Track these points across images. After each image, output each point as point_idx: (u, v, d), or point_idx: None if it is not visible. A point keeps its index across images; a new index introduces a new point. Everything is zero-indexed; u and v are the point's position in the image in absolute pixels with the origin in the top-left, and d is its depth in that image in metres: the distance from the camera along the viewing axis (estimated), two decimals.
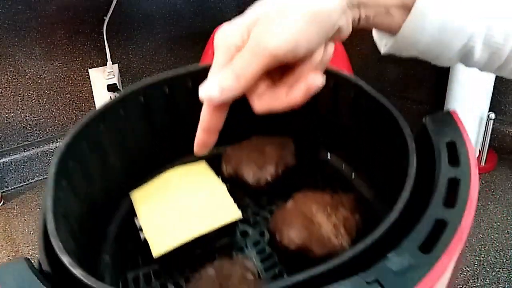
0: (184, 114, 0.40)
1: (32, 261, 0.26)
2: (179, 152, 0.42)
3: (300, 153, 0.40)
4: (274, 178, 0.38)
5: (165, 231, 0.33)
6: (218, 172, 0.39)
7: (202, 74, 0.37)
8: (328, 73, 0.33)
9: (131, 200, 0.37)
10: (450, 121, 0.28)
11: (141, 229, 0.35)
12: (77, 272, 0.24)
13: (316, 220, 0.32)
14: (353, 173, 0.39)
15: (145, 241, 0.33)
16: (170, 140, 0.41)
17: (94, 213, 0.34)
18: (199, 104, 0.34)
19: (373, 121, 0.35)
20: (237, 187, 0.38)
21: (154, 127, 0.40)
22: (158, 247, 0.32)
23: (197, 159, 0.40)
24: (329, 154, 0.41)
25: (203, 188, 0.37)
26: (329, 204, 0.33)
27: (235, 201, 0.35)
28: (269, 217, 0.36)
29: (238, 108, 0.30)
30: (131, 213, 0.36)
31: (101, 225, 0.36)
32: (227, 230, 0.35)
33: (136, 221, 0.36)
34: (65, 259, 0.24)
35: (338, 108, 0.38)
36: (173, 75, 0.39)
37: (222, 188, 0.37)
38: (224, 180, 0.38)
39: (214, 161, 0.40)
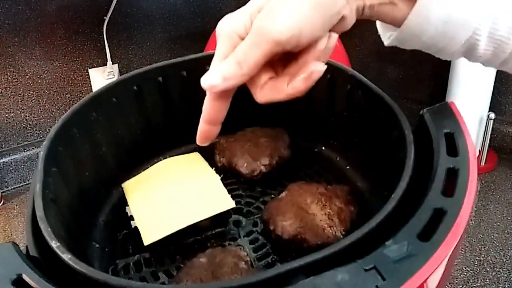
0: (178, 105, 0.40)
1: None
2: (172, 143, 0.41)
3: (295, 145, 0.40)
4: (268, 169, 0.38)
5: (157, 219, 0.33)
6: (212, 163, 0.39)
7: (197, 63, 0.38)
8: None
9: (123, 190, 0.37)
10: (448, 112, 0.27)
11: (132, 218, 0.34)
12: (65, 256, 0.23)
13: (310, 210, 0.32)
14: (347, 166, 0.39)
15: (136, 229, 0.33)
16: (164, 131, 0.41)
17: (85, 201, 0.33)
18: (193, 94, 0.34)
19: (369, 112, 0.35)
20: (230, 178, 0.38)
21: (147, 116, 0.40)
22: (149, 235, 0.31)
23: (190, 150, 0.40)
24: (323, 146, 0.41)
25: (196, 178, 0.36)
26: (323, 195, 0.33)
27: (228, 192, 0.35)
28: (263, 207, 0.36)
29: (232, 99, 0.30)
30: (123, 202, 0.36)
31: (92, 213, 0.36)
32: (220, 220, 0.34)
33: (127, 210, 0.35)
34: (53, 244, 0.24)
35: (333, 100, 0.38)
36: (167, 64, 0.39)
37: (216, 178, 0.36)
38: (218, 171, 0.38)
39: (208, 152, 0.39)
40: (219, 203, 0.34)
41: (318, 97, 0.38)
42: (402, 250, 0.19)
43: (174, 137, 0.41)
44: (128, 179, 0.38)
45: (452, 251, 0.19)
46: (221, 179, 0.36)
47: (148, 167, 0.39)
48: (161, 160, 0.40)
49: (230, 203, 0.34)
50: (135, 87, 0.38)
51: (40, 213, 0.26)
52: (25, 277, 0.22)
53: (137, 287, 0.22)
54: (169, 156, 0.40)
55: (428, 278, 0.18)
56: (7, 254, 0.23)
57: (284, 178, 0.38)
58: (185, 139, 0.40)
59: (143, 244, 0.31)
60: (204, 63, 0.36)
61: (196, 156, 0.39)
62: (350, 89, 0.36)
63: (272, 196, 0.37)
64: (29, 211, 0.27)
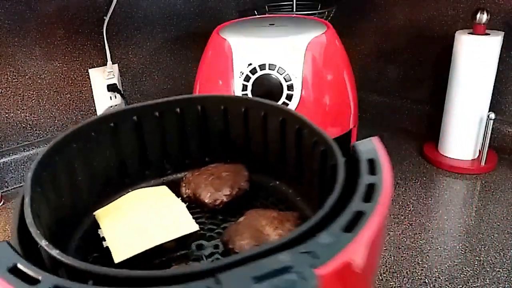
0: (150, 142, 0.45)
1: None
2: (142, 177, 0.46)
3: (253, 179, 0.45)
4: (229, 199, 0.42)
5: (126, 240, 0.35)
6: (178, 195, 0.43)
7: (169, 105, 0.43)
8: (277, 109, 0.42)
9: (94, 217, 0.40)
10: (372, 144, 0.34)
11: (104, 239, 0.37)
12: (54, 252, 0.26)
13: (265, 231, 0.37)
14: (298, 197, 0.44)
15: (107, 249, 0.35)
16: (135, 165, 0.45)
17: (60, 224, 0.36)
18: (164, 133, 0.41)
19: (312, 148, 0.39)
20: (195, 208, 0.43)
21: (121, 152, 0.44)
22: (120, 253, 0.34)
23: (158, 184, 0.46)
24: (277, 180, 0.46)
25: (163, 205, 0.40)
26: (276, 219, 0.38)
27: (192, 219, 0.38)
28: (222, 232, 0.40)
29: (195, 137, 0.37)
30: (94, 228, 0.39)
31: (65, 236, 0.38)
32: (184, 243, 0.38)
33: (99, 232, 0.38)
34: (43, 242, 0.27)
35: (284, 140, 0.43)
36: (141, 106, 0.43)
37: (181, 205, 0.40)
38: (184, 201, 0.41)
39: (175, 186, 0.44)
40: (183, 226, 0.37)
41: (272, 137, 0.44)
42: (331, 238, 0.25)
43: (144, 171, 0.46)
44: (100, 207, 0.41)
45: (373, 239, 0.26)
46: (187, 208, 0.40)
47: (119, 196, 0.42)
48: (131, 191, 0.44)
49: (193, 227, 0.37)
50: (112, 124, 0.42)
51: (29, 219, 0.29)
52: (19, 265, 0.25)
53: (115, 273, 0.24)
54: (139, 188, 0.44)
55: (352, 255, 0.24)
56: (2, 248, 0.26)
57: (243, 207, 0.42)
58: (154, 174, 0.46)
59: (113, 264, 0.32)
60: (176, 106, 0.43)
61: (163, 189, 0.43)
62: (297, 130, 0.41)
63: (232, 222, 0.41)
64: (16, 217, 0.30)
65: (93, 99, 1.05)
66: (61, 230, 0.37)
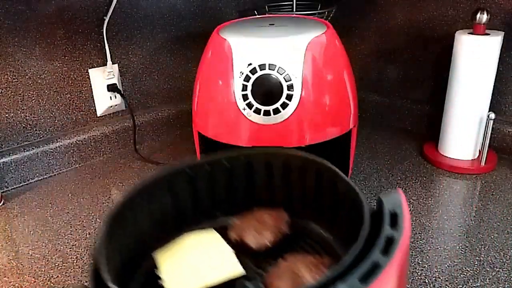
0: (202, 194, 0.52)
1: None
2: (195, 222, 0.53)
3: (292, 223, 0.51)
4: (271, 243, 0.48)
5: (180, 280, 0.41)
6: (226, 238, 0.49)
7: (219, 161, 0.51)
8: (313, 162, 0.47)
9: (154, 257, 0.47)
10: (397, 197, 0.38)
11: (160, 278, 0.43)
12: None
13: (301, 274, 0.41)
14: (332, 237, 0.50)
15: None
16: (189, 212, 0.53)
17: (127, 265, 0.41)
18: (214, 185, 0.49)
19: (344, 199, 0.45)
20: (240, 250, 0.48)
21: (178, 201, 0.51)
22: None
23: (209, 227, 0.52)
24: (314, 223, 0.52)
25: (213, 249, 0.46)
26: (311, 263, 0.43)
27: (239, 261, 0.45)
28: (265, 274, 0.45)
29: (241, 188, 0.47)
30: (154, 266, 0.46)
31: (131, 274, 0.45)
32: (231, 284, 0.43)
33: (156, 272, 0.45)
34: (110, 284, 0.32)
35: (320, 188, 0.49)
36: (194, 163, 0.51)
37: (229, 249, 0.46)
38: (230, 244, 0.48)
39: (223, 230, 0.51)
40: (231, 269, 0.43)
41: (310, 186, 0.50)
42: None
43: (197, 218, 0.53)
44: (159, 248, 0.48)
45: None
46: (233, 251, 0.46)
47: (175, 239, 0.49)
48: (185, 234, 0.50)
49: (239, 270, 0.44)
50: (168, 179, 0.50)
51: (101, 266, 0.34)
52: None
53: None
54: (193, 231, 0.51)
55: None
56: None
57: (284, 250, 0.48)
58: (206, 219, 0.54)
59: None
60: (224, 161, 0.51)
61: (213, 233, 0.49)
62: (333, 183, 0.47)
63: (273, 264, 0.46)
64: (91, 265, 0.36)
65: (93, 99, 1.06)
66: (126, 270, 0.43)
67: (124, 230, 0.44)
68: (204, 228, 0.51)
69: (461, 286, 0.61)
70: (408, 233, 0.34)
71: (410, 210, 0.80)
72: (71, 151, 1.02)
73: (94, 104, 1.06)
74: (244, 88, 0.62)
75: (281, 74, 0.62)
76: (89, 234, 0.77)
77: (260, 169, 0.52)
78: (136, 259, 0.46)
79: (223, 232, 0.50)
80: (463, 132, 0.93)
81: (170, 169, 0.49)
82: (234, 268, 0.43)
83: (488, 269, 0.64)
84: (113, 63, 1.06)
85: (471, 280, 0.62)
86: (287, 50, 0.63)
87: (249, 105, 0.62)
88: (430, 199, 0.84)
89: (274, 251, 0.48)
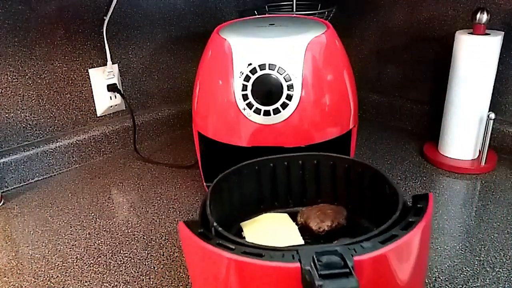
0: (280, 183, 0.63)
1: None
2: (272, 206, 0.64)
3: (349, 218, 0.60)
4: (329, 229, 0.58)
5: (259, 242, 0.48)
6: (294, 220, 0.61)
7: (295, 158, 0.61)
8: (369, 167, 0.57)
9: (240, 226, 0.60)
10: (426, 198, 0.46)
11: (245, 239, 0.54)
12: (221, 230, 0.44)
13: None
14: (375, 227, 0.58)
15: None
16: (269, 197, 0.64)
17: (221, 225, 0.47)
18: (290, 178, 0.61)
19: (389, 198, 0.52)
20: (304, 231, 0.59)
21: (261, 187, 0.62)
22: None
23: (282, 212, 0.64)
24: (365, 220, 0.61)
25: (284, 226, 0.60)
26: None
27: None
28: None
29: (311, 183, 0.61)
30: (240, 231, 0.60)
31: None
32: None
33: (243, 234, 0.59)
34: (215, 224, 0.45)
35: (375, 192, 0.57)
36: (276, 157, 0.61)
37: (295, 228, 0.60)
38: (297, 225, 0.60)
39: (293, 215, 0.62)
40: (295, 240, 0.57)
41: (366, 186, 0.59)
42: (370, 244, 0.39)
43: (274, 202, 0.64)
44: (244, 220, 0.61)
45: (398, 251, 0.39)
46: (298, 231, 0.59)
47: (257, 216, 0.62)
48: (264, 213, 0.63)
49: (300, 241, 0.57)
50: (256, 167, 0.60)
51: (208, 211, 0.48)
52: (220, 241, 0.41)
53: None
54: (270, 212, 0.64)
55: (379, 257, 0.38)
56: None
57: (338, 237, 0.57)
58: (281, 205, 0.65)
59: None
60: (298, 159, 0.61)
61: (286, 215, 0.62)
62: (383, 187, 0.55)
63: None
64: (200, 211, 0.50)
65: (93, 99, 1.06)
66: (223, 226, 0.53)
67: (221, 198, 0.55)
68: (279, 212, 0.64)
69: (461, 286, 0.61)
70: (427, 219, 0.42)
71: None
72: (71, 151, 1.02)
73: (94, 104, 1.06)
74: (244, 88, 0.62)
75: (281, 74, 0.62)
76: (89, 234, 0.77)
77: (327, 170, 0.62)
78: (226, 224, 0.56)
79: (293, 216, 0.62)
80: (463, 132, 0.93)
81: (258, 159, 0.60)
82: (296, 240, 0.57)
83: (488, 269, 0.64)
84: (113, 63, 1.06)
85: (471, 280, 0.62)
86: (287, 50, 0.63)
87: (249, 105, 0.62)
88: None
89: (330, 236, 0.58)
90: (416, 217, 0.43)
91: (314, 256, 0.36)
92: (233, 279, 0.39)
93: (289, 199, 0.64)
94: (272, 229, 0.60)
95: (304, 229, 0.60)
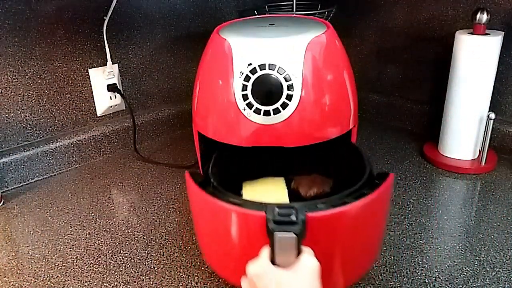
0: (279, 162, 0.74)
1: None
2: (273, 174, 0.75)
3: (334, 187, 0.72)
4: (314, 194, 0.70)
5: (253, 198, 0.63)
6: (288, 186, 0.72)
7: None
8: (352, 147, 0.69)
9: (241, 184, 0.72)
10: (388, 175, 0.56)
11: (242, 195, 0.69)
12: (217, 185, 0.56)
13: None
14: None
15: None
16: (271, 169, 0.75)
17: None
18: (293, 161, 0.75)
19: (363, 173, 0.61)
20: (295, 195, 0.71)
21: (264, 163, 0.73)
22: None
23: (277, 176, 0.75)
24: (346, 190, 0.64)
25: (277, 188, 0.71)
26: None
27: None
28: None
29: (306, 164, 0.74)
30: (240, 189, 0.71)
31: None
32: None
33: (241, 192, 0.70)
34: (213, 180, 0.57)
35: (354, 168, 0.66)
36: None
37: (285, 189, 0.71)
38: (290, 190, 0.71)
39: (288, 182, 0.74)
40: (282, 199, 0.68)
41: (345, 166, 0.70)
42: (325, 206, 0.51)
43: (275, 172, 0.75)
44: (248, 180, 0.73)
45: (352, 215, 0.51)
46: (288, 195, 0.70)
47: (259, 179, 0.74)
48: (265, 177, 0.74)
49: (287, 201, 0.68)
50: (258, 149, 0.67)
51: (210, 172, 0.60)
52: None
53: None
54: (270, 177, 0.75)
55: (330, 218, 0.49)
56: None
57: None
58: (281, 175, 0.76)
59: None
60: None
61: (281, 180, 0.74)
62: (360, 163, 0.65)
63: None
64: (206, 168, 0.63)
65: (93, 99, 1.06)
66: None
67: (219, 170, 0.64)
68: (278, 177, 0.75)
69: (461, 286, 0.61)
70: (378, 194, 0.51)
71: (410, 210, 0.80)
72: (71, 151, 1.02)
73: (94, 104, 1.06)
74: (244, 88, 0.62)
75: (281, 74, 0.62)
76: (89, 234, 0.77)
77: (320, 153, 0.74)
78: (230, 183, 0.64)
79: (289, 183, 0.73)
80: (463, 132, 0.93)
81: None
82: (284, 199, 0.68)
83: (488, 269, 0.64)
84: (113, 63, 1.06)
85: (471, 280, 0.62)
86: (287, 50, 0.63)
87: (249, 105, 0.62)
88: (430, 199, 0.84)
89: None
90: (369, 190, 0.52)
91: (276, 209, 0.46)
92: (219, 220, 0.53)
93: (289, 173, 0.76)
94: (266, 189, 0.71)
95: (295, 194, 0.72)
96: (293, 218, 0.45)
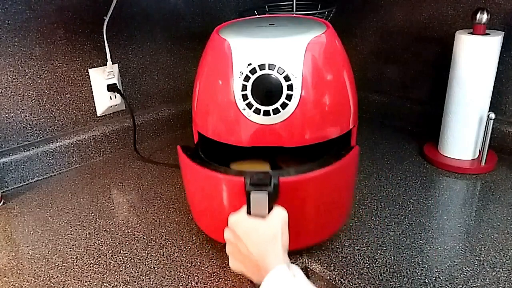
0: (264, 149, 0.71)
1: None
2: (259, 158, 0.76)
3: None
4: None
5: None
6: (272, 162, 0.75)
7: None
8: None
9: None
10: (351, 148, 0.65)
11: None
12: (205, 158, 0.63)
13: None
14: None
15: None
16: (259, 152, 0.69)
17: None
18: (279, 150, 0.66)
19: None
20: (277, 169, 0.73)
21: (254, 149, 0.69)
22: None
23: (263, 160, 0.76)
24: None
25: (261, 168, 0.73)
26: None
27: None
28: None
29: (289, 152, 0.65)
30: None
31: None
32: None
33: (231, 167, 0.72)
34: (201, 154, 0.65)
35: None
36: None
37: (267, 165, 0.74)
38: (271, 164, 0.74)
39: (273, 162, 0.75)
40: (264, 168, 0.73)
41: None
42: (295, 173, 0.60)
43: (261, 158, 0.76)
44: (236, 161, 0.73)
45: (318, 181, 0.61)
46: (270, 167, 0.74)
47: (246, 160, 0.74)
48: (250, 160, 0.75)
49: (267, 169, 0.73)
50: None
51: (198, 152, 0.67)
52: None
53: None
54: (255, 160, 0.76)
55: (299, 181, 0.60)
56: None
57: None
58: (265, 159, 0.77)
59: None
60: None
61: (266, 163, 0.75)
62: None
63: None
64: (196, 147, 0.69)
65: (93, 99, 1.06)
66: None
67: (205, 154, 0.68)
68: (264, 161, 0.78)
69: (461, 286, 0.61)
70: (340, 164, 0.62)
71: (410, 210, 0.80)
72: (71, 151, 1.02)
73: (94, 104, 1.06)
74: (244, 88, 0.62)
75: (281, 74, 0.62)
76: (89, 234, 0.77)
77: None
78: (220, 161, 0.67)
79: (272, 163, 0.76)
80: (463, 132, 0.93)
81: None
82: (265, 168, 0.73)
83: (488, 269, 0.64)
84: (113, 63, 1.06)
85: (471, 280, 0.62)
86: (287, 50, 0.63)
87: (249, 105, 0.62)
88: (430, 199, 0.84)
89: None
90: (334, 160, 0.62)
91: (254, 176, 0.55)
92: (204, 186, 0.63)
93: (274, 157, 0.79)
94: (250, 168, 0.74)
95: (275, 166, 0.76)
96: (266, 181, 0.54)
